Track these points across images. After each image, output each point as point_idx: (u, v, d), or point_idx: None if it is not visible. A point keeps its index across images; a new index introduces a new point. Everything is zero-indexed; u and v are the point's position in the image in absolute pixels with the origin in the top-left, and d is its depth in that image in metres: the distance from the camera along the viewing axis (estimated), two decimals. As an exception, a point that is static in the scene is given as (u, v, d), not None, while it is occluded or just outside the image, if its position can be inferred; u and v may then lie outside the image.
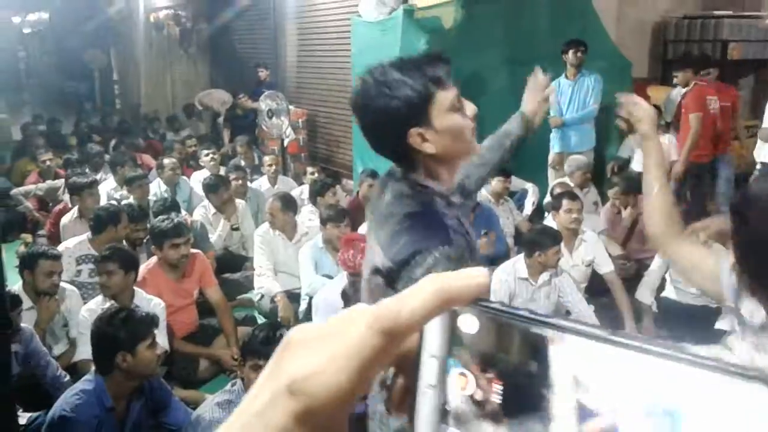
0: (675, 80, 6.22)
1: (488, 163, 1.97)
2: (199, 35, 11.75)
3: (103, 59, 14.94)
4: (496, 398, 0.36)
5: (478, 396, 0.37)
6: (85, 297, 3.89)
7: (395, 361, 0.39)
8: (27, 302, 3.52)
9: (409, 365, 0.39)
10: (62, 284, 3.70)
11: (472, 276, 0.38)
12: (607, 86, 5.84)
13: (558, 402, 0.34)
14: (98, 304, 3.50)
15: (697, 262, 1.84)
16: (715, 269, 1.76)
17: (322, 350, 0.37)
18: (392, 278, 1.51)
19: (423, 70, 1.51)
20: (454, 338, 0.38)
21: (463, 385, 0.37)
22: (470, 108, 1.58)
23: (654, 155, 1.85)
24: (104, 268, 3.47)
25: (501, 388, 0.36)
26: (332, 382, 0.36)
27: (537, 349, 0.35)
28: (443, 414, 0.38)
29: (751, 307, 1.63)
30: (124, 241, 4.29)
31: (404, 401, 0.40)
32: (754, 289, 1.56)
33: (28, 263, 3.59)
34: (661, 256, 1.88)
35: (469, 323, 0.38)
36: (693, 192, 5.94)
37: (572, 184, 5.38)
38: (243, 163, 6.95)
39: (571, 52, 5.85)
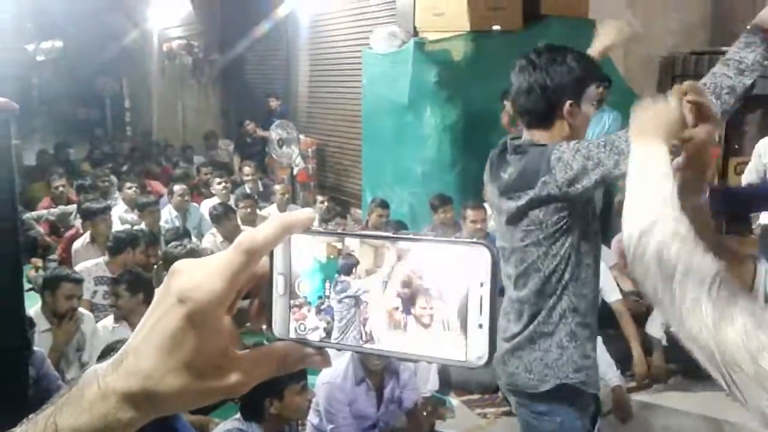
0: None
1: None
2: (211, 65, 11.91)
3: (115, 87, 15.15)
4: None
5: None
6: (99, 319, 3.92)
7: (254, 284, 0.53)
8: (43, 324, 3.53)
9: (263, 284, 0.53)
10: (79, 309, 3.72)
11: (304, 212, 0.52)
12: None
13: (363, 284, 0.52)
14: (110, 322, 3.53)
15: None
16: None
17: (201, 269, 0.48)
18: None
19: (591, 64, 2.02)
20: (295, 257, 0.53)
21: (306, 288, 0.53)
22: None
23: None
24: (114, 290, 3.50)
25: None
26: (212, 288, 0.47)
27: (352, 255, 0.52)
28: (290, 313, 0.54)
29: None
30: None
31: (261, 314, 0.54)
32: None
33: (49, 285, 3.61)
34: None
35: (303, 245, 0.53)
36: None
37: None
38: (249, 190, 7.01)
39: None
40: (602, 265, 4.34)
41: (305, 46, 9.43)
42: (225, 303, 0.48)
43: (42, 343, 3.45)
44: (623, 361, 3.92)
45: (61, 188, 6.99)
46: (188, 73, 12.45)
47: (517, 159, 1.98)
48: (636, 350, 4.10)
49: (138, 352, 0.48)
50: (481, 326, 0.47)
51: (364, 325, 0.51)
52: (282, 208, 6.53)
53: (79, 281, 3.67)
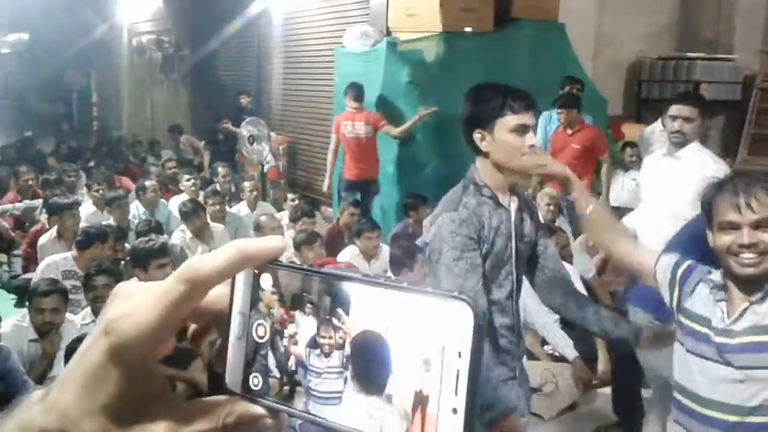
0: (559, 119, 5.85)
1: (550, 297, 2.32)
2: (181, 61, 11.80)
3: (82, 81, 14.92)
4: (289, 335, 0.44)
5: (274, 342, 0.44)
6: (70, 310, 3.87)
7: (215, 322, 0.46)
8: (32, 333, 3.48)
9: (223, 324, 0.45)
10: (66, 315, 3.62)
11: (268, 240, 0.44)
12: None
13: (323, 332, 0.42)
14: (87, 317, 3.49)
15: (637, 259, 2.10)
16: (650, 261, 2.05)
17: (136, 297, 0.42)
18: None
19: (508, 97, 2.09)
20: (257, 295, 0.44)
21: (263, 333, 0.44)
22: (532, 139, 2.11)
23: (578, 189, 2.17)
24: (97, 282, 3.46)
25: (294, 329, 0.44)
26: (140, 321, 0.40)
27: (322, 295, 0.43)
28: (249, 362, 0.45)
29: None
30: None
31: (221, 360, 0.46)
32: None
33: (28, 299, 3.54)
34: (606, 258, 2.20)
35: (266, 281, 0.44)
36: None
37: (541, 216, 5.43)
38: (220, 188, 6.97)
39: (567, 88, 5.94)
40: (573, 271, 4.45)
41: (278, 44, 9.40)
42: (157, 339, 0.41)
43: (31, 352, 3.40)
44: (590, 362, 4.00)
45: (29, 182, 6.88)
46: (157, 69, 12.33)
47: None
48: (602, 352, 4.20)
49: (62, 385, 0.42)
50: (455, 411, 0.37)
51: (308, 388, 0.42)
52: (251, 206, 6.51)
53: (64, 292, 3.54)
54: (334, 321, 0.42)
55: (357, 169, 6.20)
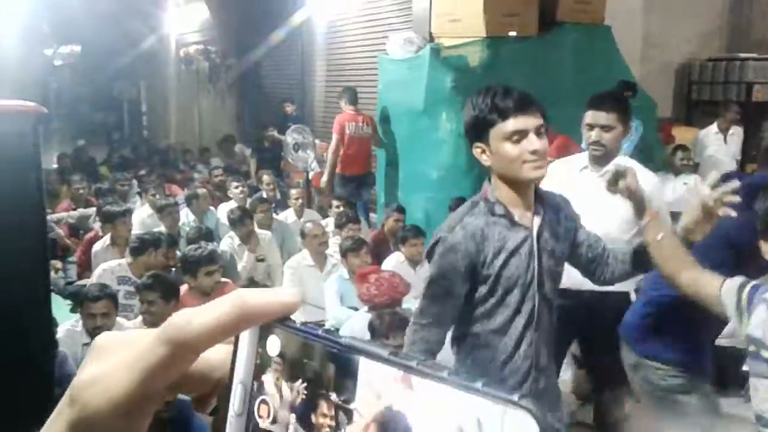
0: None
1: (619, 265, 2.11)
2: (227, 70, 12.01)
3: (132, 91, 15.31)
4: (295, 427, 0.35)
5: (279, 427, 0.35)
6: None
7: (215, 391, 0.38)
8: (85, 337, 3.57)
9: (224, 394, 0.37)
10: (119, 320, 3.69)
11: (278, 293, 0.36)
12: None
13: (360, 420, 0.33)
14: (137, 324, 3.58)
15: (702, 287, 1.97)
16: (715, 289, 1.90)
17: (111, 358, 0.35)
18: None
19: (494, 101, 1.88)
20: (263, 362, 0.36)
21: (265, 414, 0.36)
22: (533, 144, 1.87)
23: (650, 216, 2.03)
24: (146, 296, 3.54)
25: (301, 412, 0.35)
26: (108, 390, 0.34)
27: (341, 370, 0.33)
28: None
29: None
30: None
31: None
32: None
33: (80, 304, 3.63)
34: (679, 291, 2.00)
35: (274, 345, 0.35)
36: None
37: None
38: (265, 195, 7.06)
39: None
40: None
41: (321, 52, 9.49)
42: (129, 412, 0.34)
43: (85, 355, 3.49)
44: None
45: (81, 190, 7.08)
46: (205, 78, 12.56)
47: None
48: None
49: None
50: None
51: None
52: (298, 213, 6.57)
53: (113, 296, 3.58)
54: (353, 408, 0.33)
55: (357, 165, 6.94)
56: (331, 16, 9.03)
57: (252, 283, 5.42)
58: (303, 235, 5.13)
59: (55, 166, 9.73)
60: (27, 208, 2.11)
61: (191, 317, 0.34)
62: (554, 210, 2.03)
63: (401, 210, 5.84)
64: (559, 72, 6.24)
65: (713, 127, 6.48)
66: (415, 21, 6.95)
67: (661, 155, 6.47)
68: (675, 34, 7.81)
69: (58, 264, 6.17)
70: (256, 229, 5.60)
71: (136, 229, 5.32)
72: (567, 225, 2.06)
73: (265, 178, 7.52)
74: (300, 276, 4.85)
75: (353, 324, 3.82)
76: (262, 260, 5.53)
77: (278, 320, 0.35)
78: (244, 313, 0.35)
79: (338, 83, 9.15)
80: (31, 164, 2.14)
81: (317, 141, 8.41)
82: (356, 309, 4.25)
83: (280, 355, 0.35)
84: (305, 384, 0.35)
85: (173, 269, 4.68)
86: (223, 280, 4.21)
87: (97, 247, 5.21)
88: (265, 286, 5.48)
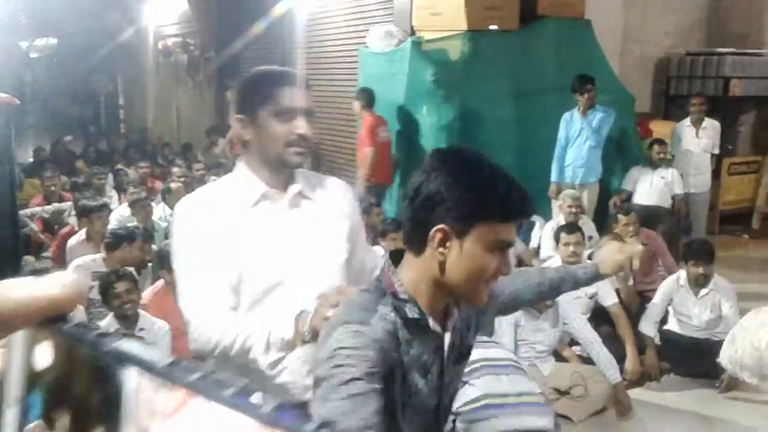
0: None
1: (525, 295, 1.73)
2: (206, 63, 11.89)
3: (109, 84, 15.11)
4: None
5: None
6: (91, 312, 3.91)
7: None
8: None
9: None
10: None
11: (49, 285, 0.26)
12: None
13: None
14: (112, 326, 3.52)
15: None
16: None
17: None
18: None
19: None
20: (33, 378, 0.28)
21: None
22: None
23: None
24: (118, 288, 3.50)
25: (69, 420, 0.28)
26: None
27: (111, 386, 0.27)
28: None
29: None
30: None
31: None
32: None
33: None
34: None
35: (45, 353, 0.28)
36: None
37: (562, 217, 5.36)
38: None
39: (578, 93, 5.77)
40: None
41: (302, 45, 9.42)
42: None
43: None
44: (619, 362, 3.95)
45: (51, 187, 6.95)
46: (183, 71, 12.43)
47: None
48: (631, 351, 4.16)
49: None
50: None
51: None
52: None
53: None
54: None
55: (383, 173, 6.28)
56: (312, 8, 8.96)
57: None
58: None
59: (31, 160, 9.59)
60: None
61: None
62: (466, 314, 1.48)
63: (379, 204, 5.81)
64: (539, 66, 6.25)
65: (686, 121, 6.54)
66: (396, 14, 6.91)
67: (639, 149, 6.50)
68: (654, 28, 7.85)
69: (31, 259, 6.07)
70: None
71: (114, 225, 5.24)
72: (476, 322, 1.54)
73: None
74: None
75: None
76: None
77: (51, 320, 0.27)
78: None
79: (318, 76, 9.09)
80: (2, 156, 2.09)
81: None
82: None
83: (53, 366, 0.28)
84: (70, 419, 0.28)
85: (149, 264, 4.63)
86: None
87: (72, 242, 5.12)
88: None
